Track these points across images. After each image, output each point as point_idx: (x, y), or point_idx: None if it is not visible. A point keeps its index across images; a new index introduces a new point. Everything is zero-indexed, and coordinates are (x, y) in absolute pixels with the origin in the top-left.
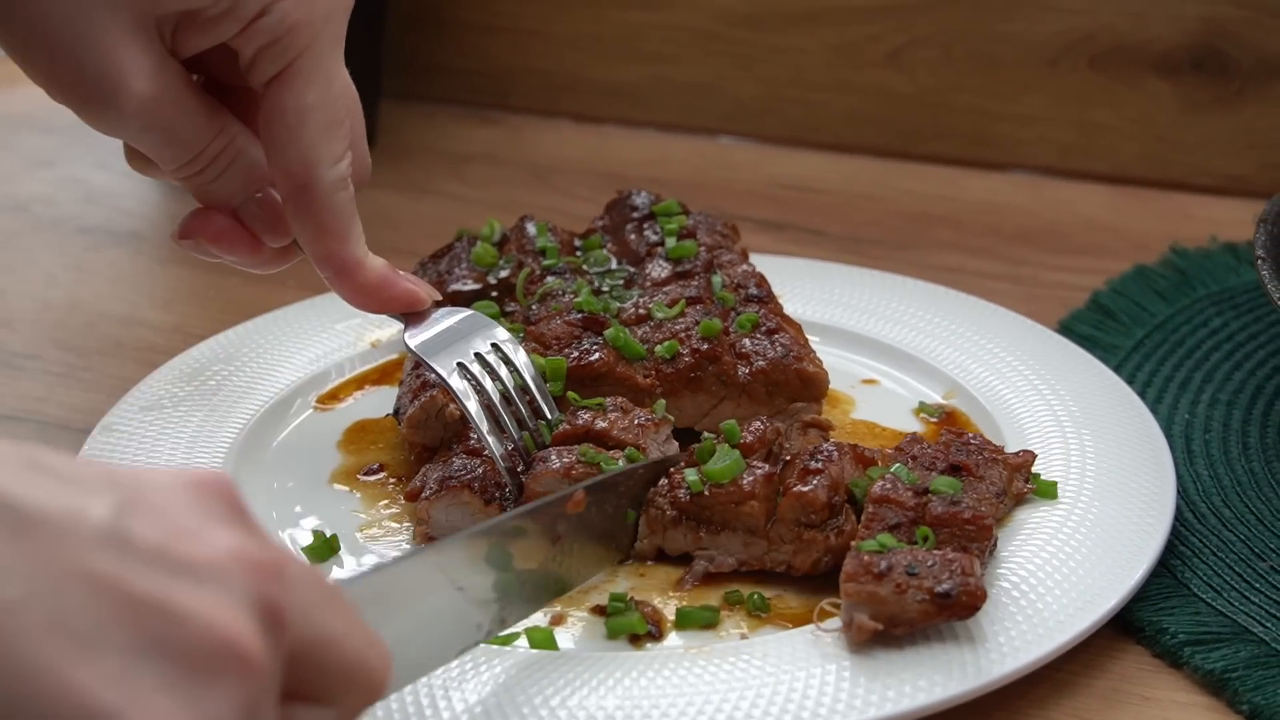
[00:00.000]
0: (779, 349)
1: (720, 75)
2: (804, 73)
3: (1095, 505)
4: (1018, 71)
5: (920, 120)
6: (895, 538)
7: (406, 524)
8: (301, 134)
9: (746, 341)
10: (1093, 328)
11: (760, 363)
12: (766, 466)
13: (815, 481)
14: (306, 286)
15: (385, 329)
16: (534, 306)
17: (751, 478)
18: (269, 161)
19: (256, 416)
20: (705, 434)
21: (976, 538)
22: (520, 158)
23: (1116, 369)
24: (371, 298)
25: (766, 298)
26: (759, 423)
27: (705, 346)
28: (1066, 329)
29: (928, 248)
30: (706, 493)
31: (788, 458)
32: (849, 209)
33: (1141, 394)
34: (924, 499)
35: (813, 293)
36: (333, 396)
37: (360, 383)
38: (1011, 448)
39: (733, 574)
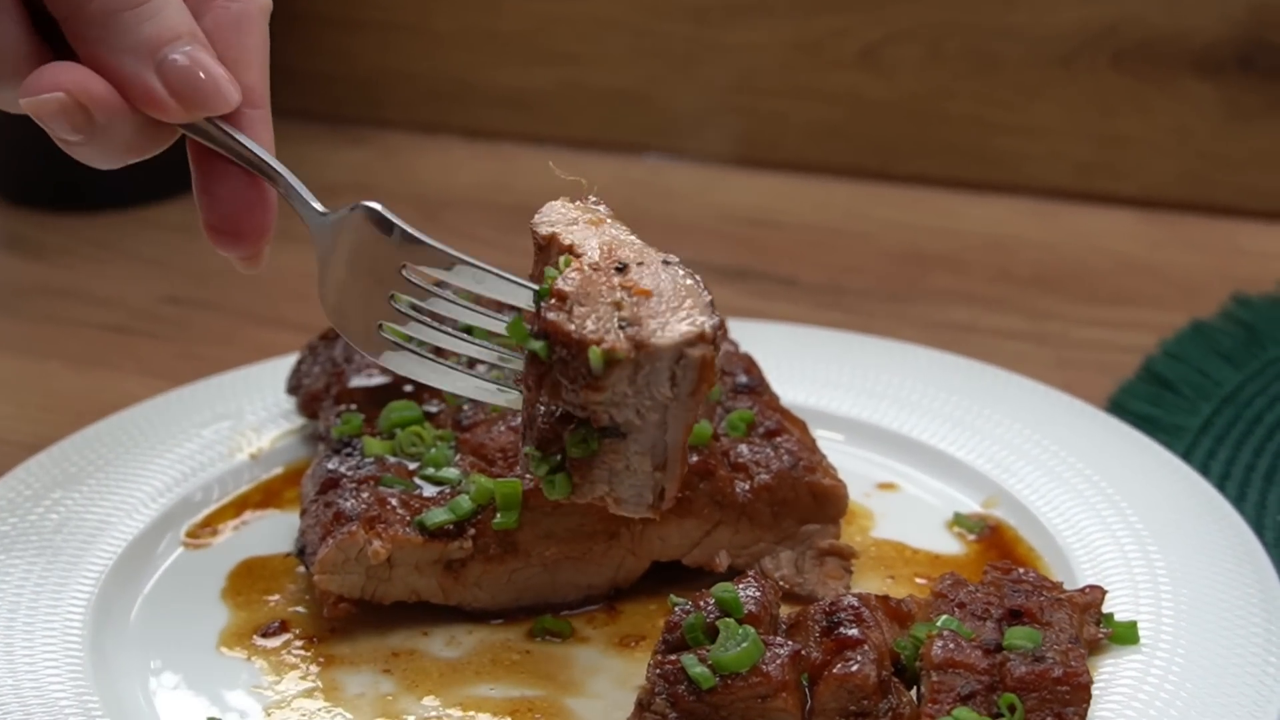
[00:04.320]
0: (785, 458)
1: (649, 79)
2: (756, 76)
3: (1197, 647)
4: (1023, 72)
5: (903, 134)
6: (973, 711)
7: (326, 705)
8: None
9: (743, 448)
10: (1149, 404)
11: (763, 476)
12: (789, 643)
13: (859, 657)
14: (150, 372)
15: (265, 433)
16: (465, 406)
17: (777, 661)
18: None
19: (113, 563)
20: (719, 589)
21: (1072, 700)
22: (399, 186)
23: (1185, 458)
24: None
25: (759, 388)
26: (753, 587)
27: (694, 459)
28: (1118, 406)
29: (927, 298)
30: (720, 687)
31: (788, 620)
32: (822, 248)
33: (1219, 489)
34: (998, 658)
35: (798, 369)
36: (207, 527)
37: (239, 507)
38: (1078, 571)
39: None
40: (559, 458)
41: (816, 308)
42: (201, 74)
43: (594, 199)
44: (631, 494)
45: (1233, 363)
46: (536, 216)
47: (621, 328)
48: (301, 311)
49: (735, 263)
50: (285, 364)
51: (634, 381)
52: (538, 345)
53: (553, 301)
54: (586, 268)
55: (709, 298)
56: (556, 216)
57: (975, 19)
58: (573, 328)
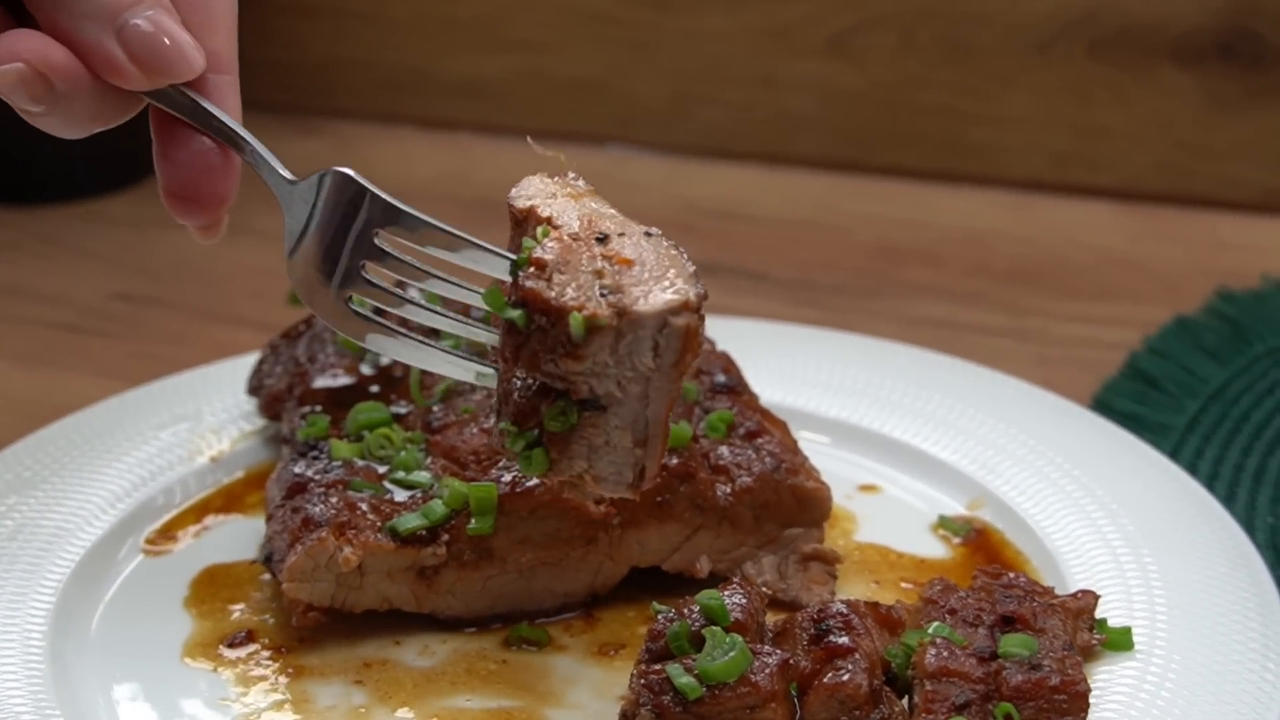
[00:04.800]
0: (767, 460)
1: (612, 68)
2: (722, 65)
3: (1193, 653)
4: (998, 61)
5: (874, 124)
6: None
7: (297, 717)
8: None
9: (724, 450)
10: (1134, 402)
11: (745, 479)
12: (778, 652)
13: (850, 665)
14: (102, 372)
15: (226, 435)
16: (435, 408)
17: (766, 671)
18: None
19: (72, 571)
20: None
21: (1070, 709)
22: None
23: (1171, 457)
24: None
25: (739, 387)
26: (739, 594)
27: (674, 461)
28: (1102, 404)
29: (903, 294)
30: (707, 698)
31: (774, 628)
32: (793, 242)
33: (1207, 489)
34: (992, 666)
35: (774, 367)
36: (167, 534)
37: (200, 512)
38: (1068, 575)
39: None
40: (536, 433)
41: (789, 303)
42: (165, 39)
43: (573, 175)
44: (611, 471)
45: (1218, 359)
46: (514, 190)
47: (603, 295)
48: (259, 309)
49: (703, 257)
50: (245, 363)
51: (615, 351)
52: (515, 314)
53: (531, 270)
54: (566, 237)
55: (693, 268)
56: (535, 190)
57: (949, 6)
58: (552, 295)
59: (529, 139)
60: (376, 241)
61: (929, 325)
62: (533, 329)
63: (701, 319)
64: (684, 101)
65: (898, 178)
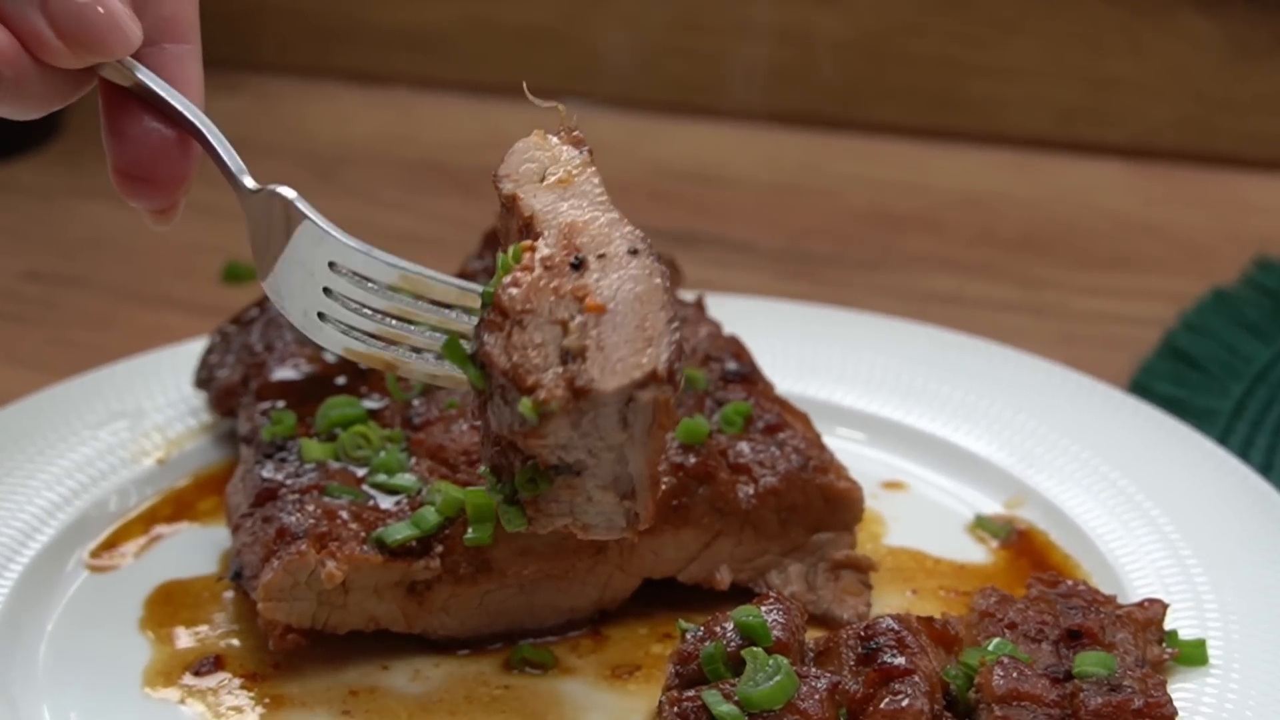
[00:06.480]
0: (792, 457)
1: (568, 15)
2: (691, 12)
3: (1277, 666)
4: (1000, 5)
5: (863, 77)
6: None
7: None
8: None
9: (744, 446)
10: (1174, 384)
11: (769, 478)
12: (826, 674)
13: (908, 689)
14: (17, 361)
15: (171, 434)
16: (415, 402)
17: (815, 697)
18: None
19: (9, 593)
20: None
21: None
22: (283, 140)
23: (1221, 446)
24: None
25: (752, 375)
26: (778, 610)
27: (692, 460)
28: (1141, 388)
29: (903, 264)
30: None
31: (815, 647)
32: (777, 208)
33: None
34: (1067, 688)
35: (779, 349)
36: (112, 547)
37: (147, 521)
38: (1126, 582)
39: None
40: (512, 488)
41: (780, 277)
42: (99, 9)
43: (575, 130)
44: (600, 520)
45: (1261, 336)
46: (501, 166)
47: (564, 361)
48: (188, 288)
49: (679, 226)
50: (186, 351)
51: (578, 426)
52: (474, 373)
53: (493, 317)
54: (538, 265)
55: (669, 314)
56: (523, 170)
57: None
58: (508, 364)
59: (524, 84)
60: (338, 273)
61: (937, 300)
62: (494, 388)
63: (676, 386)
64: (650, 52)
65: (889, 136)
